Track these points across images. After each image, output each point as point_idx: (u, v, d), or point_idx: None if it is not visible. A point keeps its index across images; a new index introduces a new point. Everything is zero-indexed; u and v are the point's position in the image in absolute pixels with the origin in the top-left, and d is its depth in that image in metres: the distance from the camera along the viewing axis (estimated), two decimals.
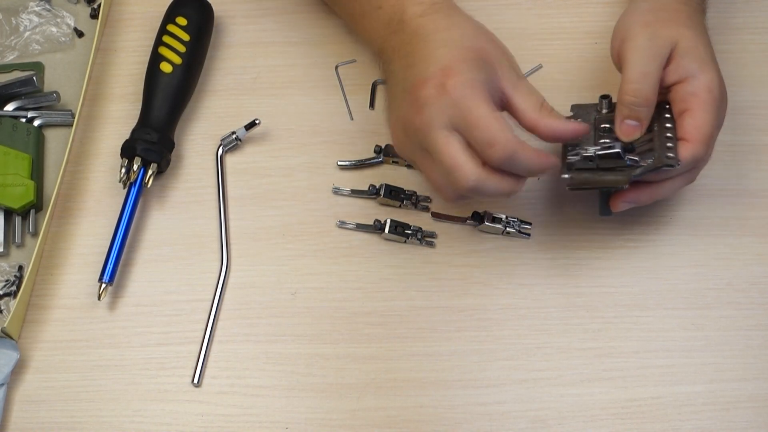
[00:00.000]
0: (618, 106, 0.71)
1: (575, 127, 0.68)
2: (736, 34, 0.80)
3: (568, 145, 0.72)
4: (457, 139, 0.65)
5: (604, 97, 0.74)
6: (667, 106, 0.72)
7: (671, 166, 0.68)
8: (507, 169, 0.66)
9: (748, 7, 0.87)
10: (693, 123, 0.69)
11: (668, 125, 0.71)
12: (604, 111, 0.74)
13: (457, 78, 0.65)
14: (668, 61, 0.70)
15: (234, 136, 0.80)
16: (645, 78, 0.69)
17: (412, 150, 0.68)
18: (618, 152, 0.69)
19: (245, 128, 0.80)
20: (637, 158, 0.69)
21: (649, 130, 0.71)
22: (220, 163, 0.80)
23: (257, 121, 0.80)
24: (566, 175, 0.70)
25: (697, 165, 0.71)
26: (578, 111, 0.75)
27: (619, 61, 0.72)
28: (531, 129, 0.68)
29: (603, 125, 0.73)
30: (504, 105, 0.68)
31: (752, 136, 0.79)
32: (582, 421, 0.71)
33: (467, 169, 0.65)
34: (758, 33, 0.86)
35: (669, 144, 0.69)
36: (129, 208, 0.76)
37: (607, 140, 0.71)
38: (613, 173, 0.69)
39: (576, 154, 0.71)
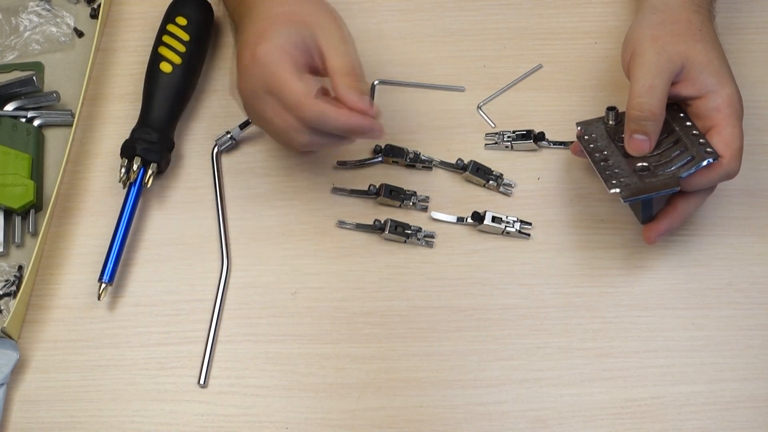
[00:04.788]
0: (626, 121, 0.71)
1: (361, 107, 0.68)
2: (736, 34, 0.80)
3: (600, 160, 0.72)
4: (272, 102, 0.70)
5: (611, 108, 0.74)
6: (675, 107, 0.72)
7: (715, 159, 0.69)
8: (321, 128, 0.70)
9: (749, 8, 0.87)
10: (722, 140, 0.70)
11: (688, 123, 0.71)
12: (611, 122, 0.74)
13: (266, 45, 0.69)
14: (683, 76, 0.71)
15: (229, 135, 0.80)
16: (651, 92, 0.69)
17: (251, 112, 0.74)
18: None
19: (240, 127, 0.80)
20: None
21: (671, 131, 0.71)
22: (216, 163, 0.80)
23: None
24: (615, 190, 0.69)
25: (729, 178, 0.71)
26: (586, 127, 0.75)
27: (628, 75, 0.72)
28: (335, 91, 0.70)
29: (620, 136, 0.73)
30: (322, 66, 0.71)
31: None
32: (582, 421, 0.71)
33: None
34: (759, 33, 0.86)
35: (701, 140, 0.70)
36: (129, 208, 0.76)
37: None
38: (659, 178, 0.69)
39: (609, 168, 0.71)
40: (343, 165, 0.80)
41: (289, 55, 0.69)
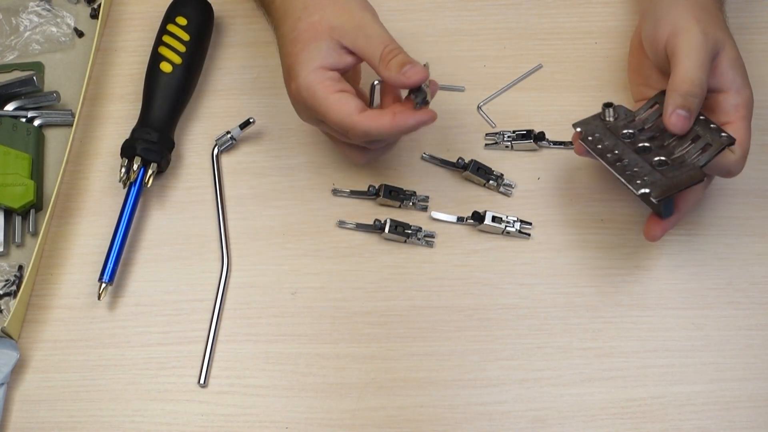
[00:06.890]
0: (670, 95, 0.69)
1: (413, 82, 0.69)
2: (736, 34, 0.79)
3: (614, 161, 0.70)
4: (325, 126, 0.72)
5: (608, 105, 0.73)
6: None
7: (732, 142, 0.69)
8: (372, 141, 0.72)
9: (749, 8, 0.87)
10: (736, 138, 0.70)
11: None
12: (610, 119, 0.73)
13: (301, 74, 0.70)
14: (714, 65, 0.70)
15: (229, 135, 0.80)
16: (702, 69, 0.68)
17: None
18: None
19: (240, 127, 0.80)
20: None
21: None
22: (216, 163, 0.80)
23: (252, 120, 0.80)
24: (645, 190, 0.67)
25: (730, 175, 0.72)
26: (584, 127, 0.73)
27: (666, 52, 0.71)
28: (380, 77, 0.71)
29: (625, 131, 0.72)
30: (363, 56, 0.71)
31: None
32: (582, 421, 0.71)
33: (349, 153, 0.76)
34: (758, 33, 0.86)
35: (712, 125, 0.70)
36: (129, 208, 0.76)
37: (647, 144, 0.70)
38: (682, 171, 0.68)
39: (627, 167, 0.69)
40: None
41: (324, 77, 0.69)
